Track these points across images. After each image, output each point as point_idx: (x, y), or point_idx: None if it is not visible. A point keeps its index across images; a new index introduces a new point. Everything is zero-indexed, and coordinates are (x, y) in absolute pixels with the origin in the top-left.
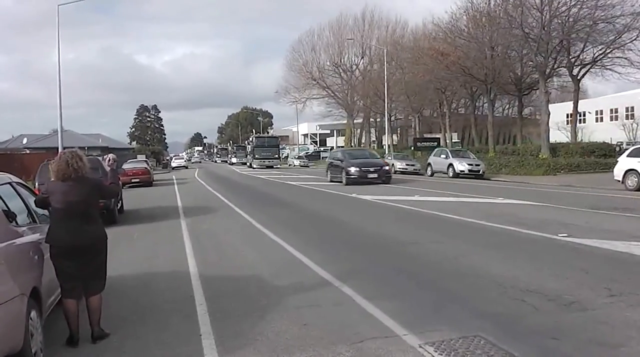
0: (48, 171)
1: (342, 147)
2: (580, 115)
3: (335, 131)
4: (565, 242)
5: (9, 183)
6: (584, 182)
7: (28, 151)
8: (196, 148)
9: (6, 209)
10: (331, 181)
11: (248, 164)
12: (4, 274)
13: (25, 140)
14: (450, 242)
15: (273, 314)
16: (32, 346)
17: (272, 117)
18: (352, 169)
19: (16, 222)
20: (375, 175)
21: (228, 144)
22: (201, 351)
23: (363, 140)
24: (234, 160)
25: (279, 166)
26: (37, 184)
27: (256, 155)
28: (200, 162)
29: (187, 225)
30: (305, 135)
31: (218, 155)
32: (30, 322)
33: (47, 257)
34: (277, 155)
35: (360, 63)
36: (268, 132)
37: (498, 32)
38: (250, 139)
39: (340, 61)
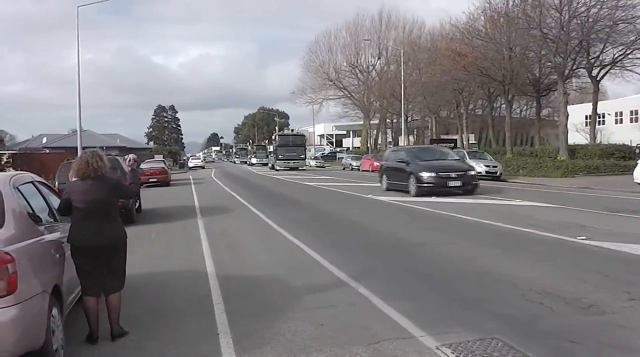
0: (68, 171)
1: (396, 145)
2: (599, 117)
3: (351, 132)
4: (584, 245)
5: (32, 182)
6: (603, 184)
7: (48, 151)
8: (213, 148)
9: (30, 208)
10: (388, 190)
11: (270, 165)
12: (27, 272)
13: (44, 140)
14: (466, 244)
15: (289, 314)
16: (53, 343)
17: (288, 117)
18: (425, 175)
19: (38, 221)
20: (458, 182)
21: (247, 144)
22: (219, 350)
23: (379, 141)
24: (253, 161)
25: (304, 168)
26: (57, 183)
27: (279, 156)
28: (213, 161)
29: (203, 224)
30: (322, 136)
31: (237, 156)
32: (52, 320)
33: (68, 255)
34: (303, 156)
35: (377, 64)
36: (292, 130)
37: (516, 32)
38: (273, 137)
39: (357, 62)
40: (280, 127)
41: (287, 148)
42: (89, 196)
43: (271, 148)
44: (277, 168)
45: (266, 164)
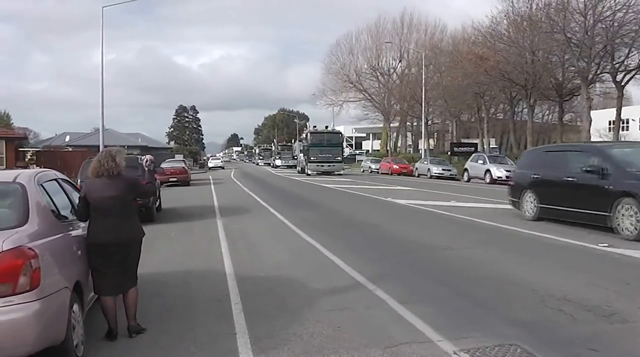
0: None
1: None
2: (623, 123)
3: (371, 134)
4: (606, 252)
5: (55, 179)
6: None
7: (70, 149)
8: (234, 148)
9: (53, 205)
10: (540, 219)
11: (299, 168)
12: (50, 268)
13: (67, 138)
14: (485, 248)
15: (307, 316)
16: (73, 338)
17: (308, 119)
18: None
19: (62, 218)
20: None
21: (272, 144)
22: (236, 350)
23: (399, 144)
24: (278, 162)
25: (341, 173)
26: (79, 180)
27: (311, 157)
28: (229, 161)
29: (223, 224)
30: None
31: (260, 157)
32: (73, 315)
33: None
34: (339, 157)
35: (398, 66)
36: (327, 127)
37: (539, 36)
38: (304, 135)
39: (378, 64)
40: (300, 128)
41: (321, 148)
42: (103, 194)
43: (300, 148)
44: (309, 172)
45: (293, 167)
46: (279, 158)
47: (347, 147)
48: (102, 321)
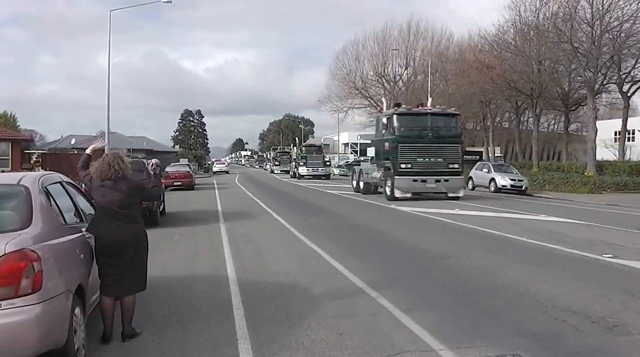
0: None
1: None
2: (629, 133)
3: None
4: (610, 263)
5: (60, 182)
6: (631, 201)
7: (76, 151)
8: (243, 152)
9: (57, 208)
10: None
11: (359, 183)
12: (52, 271)
13: (73, 141)
14: (489, 257)
15: (309, 322)
16: (74, 342)
17: (313, 125)
18: None
19: (65, 221)
20: None
21: (291, 146)
22: (237, 355)
23: None
24: (302, 171)
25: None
26: (83, 184)
27: (401, 164)
28: (243, 165)
29: (226, 229)
30: (346, 145)
31: (276, 163)
32: (74, 319)
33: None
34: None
35: (404, 74)
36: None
37: (546, 45)
38: (384, 120)
39: (384, 71)
40: (305, 134)
41: (421, 147)
42: (109, 197)
43: (377, 146)
44: (399, 194)
45: (322, 177)
46: (304, 164)
47: (351, 153)
48: (102, 325)
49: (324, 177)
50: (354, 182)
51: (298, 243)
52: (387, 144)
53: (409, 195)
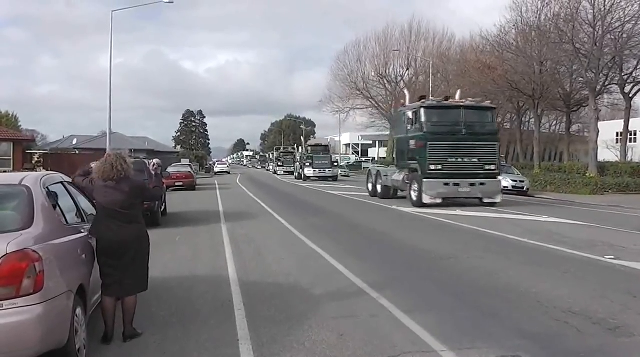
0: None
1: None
2: (630, 134)
3: (377, 142)
4: (612, 264)
5: (61, 183)
6: (633, 203)
7: (77, 152)
8: (244, 153)
9: (59, 208)
10: None
11: (375, 187)
12: (54, 271)
13: (75, 141)
14: (490, 258)
15: (310, 323)
16: (76, 342)
17: (314, 125)
18: None
19: (67, 221)
20: None
21: (295, 146)
22: (238, 356)
23: None
24: (309, 172)
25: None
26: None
27: (431, 165)
28: (245, 166)
29: (227, 230)
30: (347, 145)
31: (279, 163)
32: (76, 319)
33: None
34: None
35: (406, 74)
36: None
37: (548, 46)
38: (409, 114)
39: (386, 72)
40: (306, 135)
41: (455, 146)
42: (110, 197)
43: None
44: (428, 200)
45: (329, 179)
46: (310, 165)
47: (353, 154)
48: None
49: (331, 179)
50: (370, 185)
51: (299, 243)
52: (413, 142)
53: (439, 200)
